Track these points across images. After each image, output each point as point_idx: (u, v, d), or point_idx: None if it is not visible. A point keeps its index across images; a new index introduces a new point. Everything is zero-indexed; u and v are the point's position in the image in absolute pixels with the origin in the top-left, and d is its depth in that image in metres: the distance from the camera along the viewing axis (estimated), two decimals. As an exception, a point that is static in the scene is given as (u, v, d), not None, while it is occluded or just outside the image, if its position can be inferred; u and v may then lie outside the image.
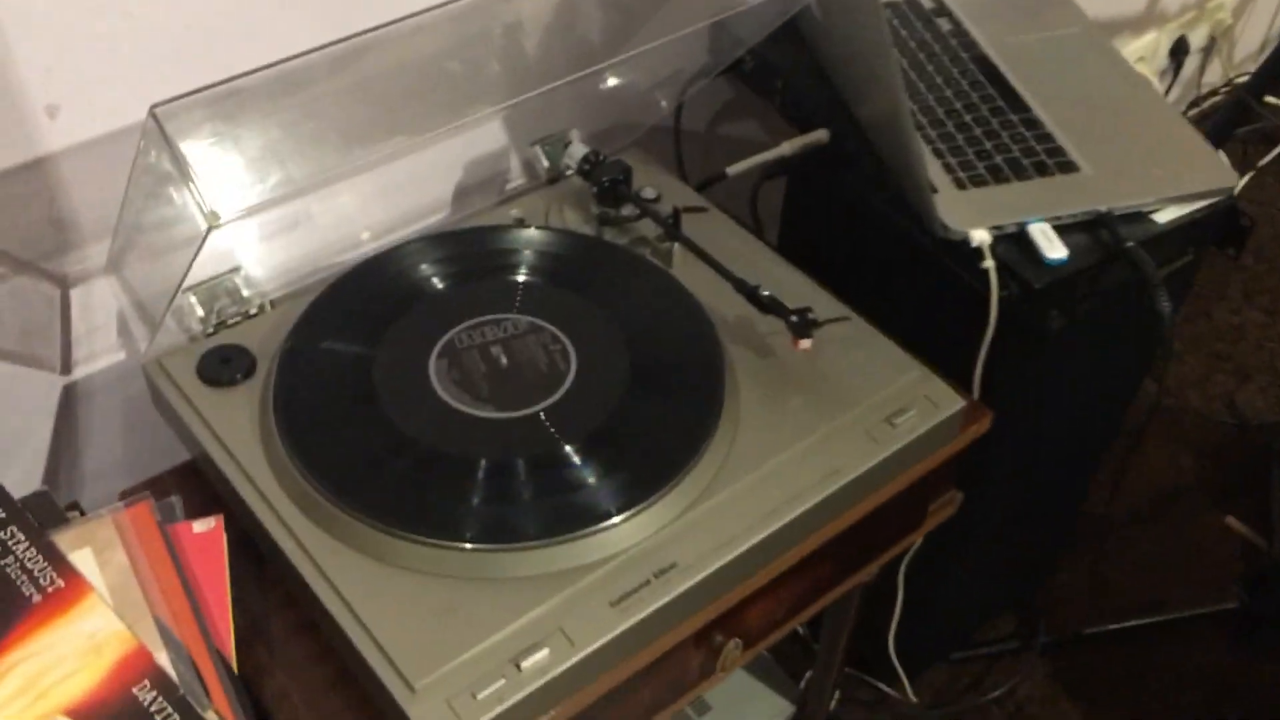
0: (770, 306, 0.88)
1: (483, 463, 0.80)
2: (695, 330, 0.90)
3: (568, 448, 0.81)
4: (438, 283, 0.93)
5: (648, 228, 1.00)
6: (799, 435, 0.85)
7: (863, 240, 1.13)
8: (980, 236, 0.98)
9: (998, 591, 1.54)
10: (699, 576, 0.78)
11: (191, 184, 0.64)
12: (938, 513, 1.03)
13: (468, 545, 0.75)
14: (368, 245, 1.01)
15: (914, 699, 1.41)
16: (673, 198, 1.03)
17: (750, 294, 0.89)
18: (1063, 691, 1.53)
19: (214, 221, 0.63)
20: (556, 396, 0.85)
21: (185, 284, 0.91)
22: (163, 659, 0.68)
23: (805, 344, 0.87)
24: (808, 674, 1.35)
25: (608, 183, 0.99)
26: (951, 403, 0.90)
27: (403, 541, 0.76)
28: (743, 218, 1.07)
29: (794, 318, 0.87)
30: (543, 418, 0.83)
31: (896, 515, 0.97)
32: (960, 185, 1.02)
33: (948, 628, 1.48)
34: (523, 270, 0.95)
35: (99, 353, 0.99)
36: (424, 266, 0.94)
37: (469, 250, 0.96)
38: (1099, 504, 1.54)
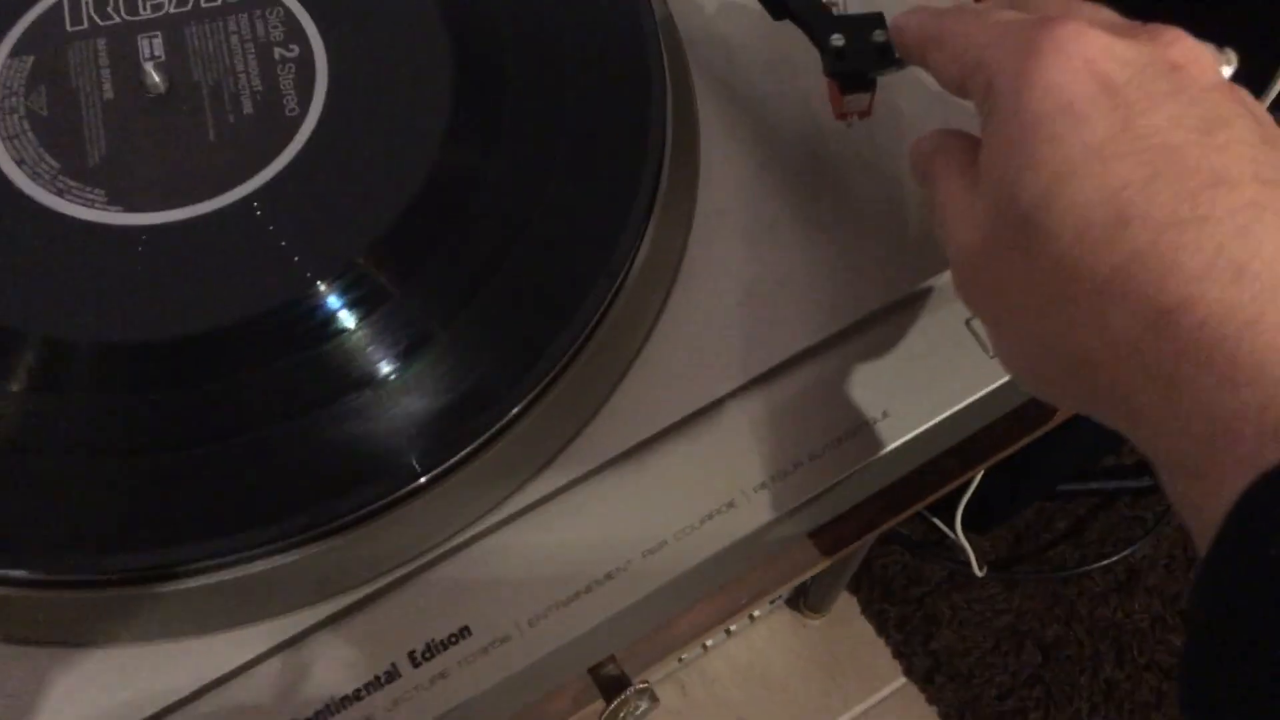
0: (791, 4, 0.40)
1: (79, 354, 0.36)
2: (615, 32, 0.43)
3: (288, 307, 0.37)
4: None
5: None
6: (817, 323, 0.40)
7: None
8: None
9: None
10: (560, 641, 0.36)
11: None
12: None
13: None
14: None
15: (979, 571, 1.02)
16: None
17: None
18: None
19: None
20: (268, 175, 0.39)
21: None
22: None
23: (856, 105, 0.39)
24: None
25: None
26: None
27: None
28: None
29: (838, 39, 0.39)
30: (228, 227, 0.38)
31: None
32: None
33: (1048, 471, 1.06)
34: None
35: None
36: None
37: None
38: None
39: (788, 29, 0.40)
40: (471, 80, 0.41)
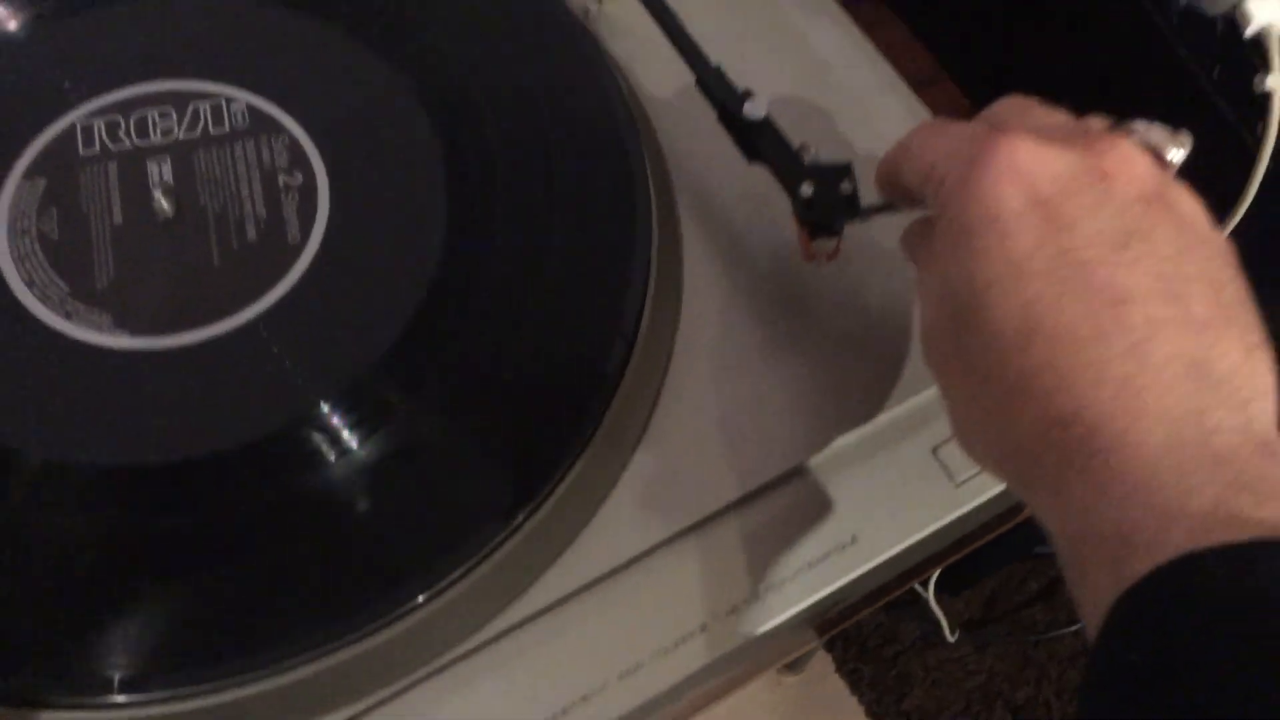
0: (765, 150, 0.42)
1: (81, 477, 0.38)
2: (607, 184, 0.45)
3: (292, 426, 0.39)
4: (46, 1, 0.47)
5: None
6: (789, 452, 0.42)
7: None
8: (1267, 13, 0.49)
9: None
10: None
11: None
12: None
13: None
14: None
15: (951, 637, 1.04)
16: None
17: (725, 111, 0.42)
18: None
19: None
20: (269, 301, 0.41)
21: None
22: None
23: (823, 249, 0.41)
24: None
25: None
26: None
27: None
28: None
29: (807, 188, 0.40)
30: (232, 351, 0.40)
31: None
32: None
33: (1023, 533, 1.08)
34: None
35: None
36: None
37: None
38: None
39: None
40: (466, 210, 0.43)
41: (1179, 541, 0.27)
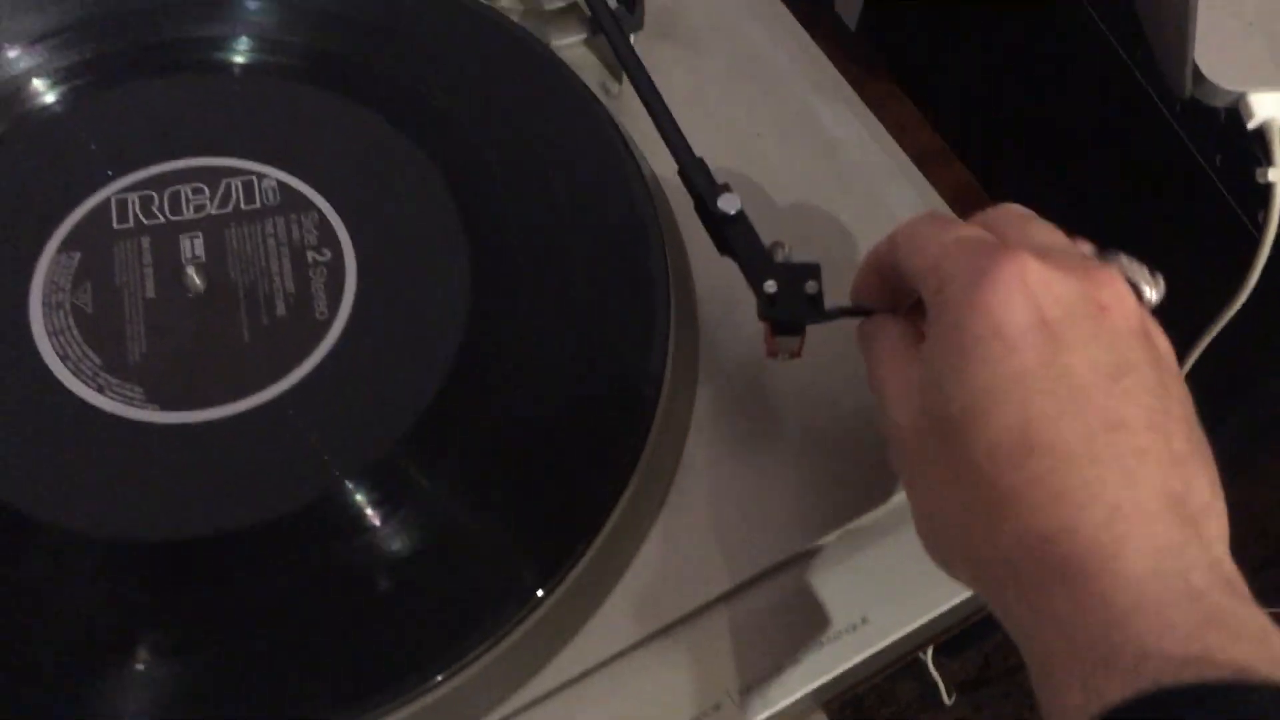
0: (734, 244, 0.42)
1: (111, 551, 0.39)
2: (627, 263, 0.46)
3: (318, 499, 0.39)
4: (82, 77, 0.48)
5: None
6: (799, 534, 0.43)
7: (1019, 73, 0.65)
8: (1269, 108, 0.51)
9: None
10: None
11: None
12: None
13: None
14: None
15: (948, 700, 1.05)
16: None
17: (701, 202, 0.43)
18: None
19: None
20: (297, 376, 0.42)
21: None
22: None
23: (786, 346, 0.41)
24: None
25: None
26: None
27: None
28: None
29: (771, 286, 0.41)
30: (259, 426, 0.41)
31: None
32: (1246, -16, 0.53)
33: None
34: (281, 58, 0.49)
35: None
36: (57, 42, 0.48)
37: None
38: None
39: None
40: (490, 287, 0.44)
41: (1155, 675, 0.27)
